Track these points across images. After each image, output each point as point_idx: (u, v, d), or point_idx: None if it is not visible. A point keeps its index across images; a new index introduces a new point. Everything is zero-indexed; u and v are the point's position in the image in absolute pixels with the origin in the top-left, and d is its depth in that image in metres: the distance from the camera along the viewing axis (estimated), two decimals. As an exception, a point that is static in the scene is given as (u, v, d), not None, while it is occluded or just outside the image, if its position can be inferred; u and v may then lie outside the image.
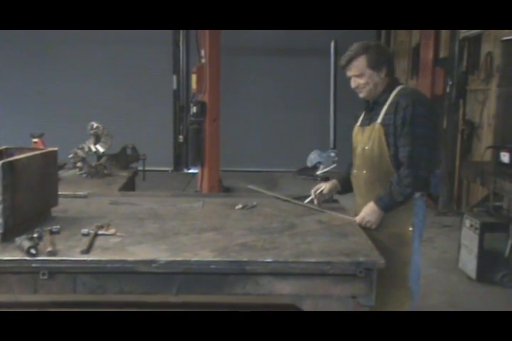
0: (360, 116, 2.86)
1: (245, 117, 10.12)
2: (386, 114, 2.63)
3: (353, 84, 2.71)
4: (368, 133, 2.70)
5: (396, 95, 2.64)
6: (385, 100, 2.66)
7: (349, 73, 2.69)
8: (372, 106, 2.75)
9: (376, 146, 2.64)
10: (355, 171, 2.81)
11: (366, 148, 2.69)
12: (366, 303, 2.09)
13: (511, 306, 4.00)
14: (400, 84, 2.73)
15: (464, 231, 4.71)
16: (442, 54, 7.40)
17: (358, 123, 2.84)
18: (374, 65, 2.64)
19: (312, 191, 2.96)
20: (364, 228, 2.60)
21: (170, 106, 10.22)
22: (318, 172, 3.00)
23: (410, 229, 2.62)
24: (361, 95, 2.73)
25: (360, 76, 2.66)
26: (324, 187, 2.94)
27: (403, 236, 2.62)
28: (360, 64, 2.64)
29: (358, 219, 2.67)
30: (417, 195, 2.62)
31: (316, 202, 2.96)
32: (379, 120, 2.65)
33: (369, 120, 2.74)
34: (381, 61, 2.65)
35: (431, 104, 2.75)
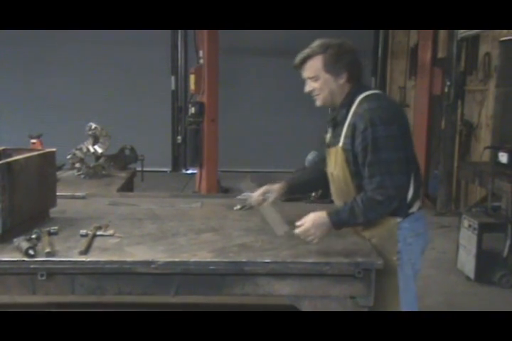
0: (327, 132, 2.44)
1: (243, 118, 10.10)
2: (346, 136, 2.22)
3: (307, 88, 2.29)
4: (333, 157, 2.32)
5: (354, 114, 2.20)
6: (345, 117, 2.25)
7: (303, 74, 2.28)
8: (335, 122, 2.34)
9: (341, 173, 2.28)
10: (333, 198, 2.49)
11: (334, 173, 2.33)
12: (365, 304, 2.08)
13: (510, 306, 4.00)
14: (362, 91, 2.25)
15: (462, 231, 4.71)
16: (440, 54, 7.41)
17: (327, 140, 2.42)
18: (331, 68, 2.22)
19: (257, 194, 2.56)
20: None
21: (168, 107, 10.21)
22: (317, 173, 2.99)
23: (394, 258, 2.22)
24: (317, 103, 2.31)
25: (314, 79, 2.24)
26: (272, 195, 2.55)
27: (387, 266, 2.15)
28: (315, 64, 2.22)
29: (300, 229, 2.15)
30: (398, 219, 2.23)
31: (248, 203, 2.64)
32: (340, 143, 2.25)
33: (333, 139, 2.34)
34: (341, 64, 2.22)
35: (394, 111, 2.22)
